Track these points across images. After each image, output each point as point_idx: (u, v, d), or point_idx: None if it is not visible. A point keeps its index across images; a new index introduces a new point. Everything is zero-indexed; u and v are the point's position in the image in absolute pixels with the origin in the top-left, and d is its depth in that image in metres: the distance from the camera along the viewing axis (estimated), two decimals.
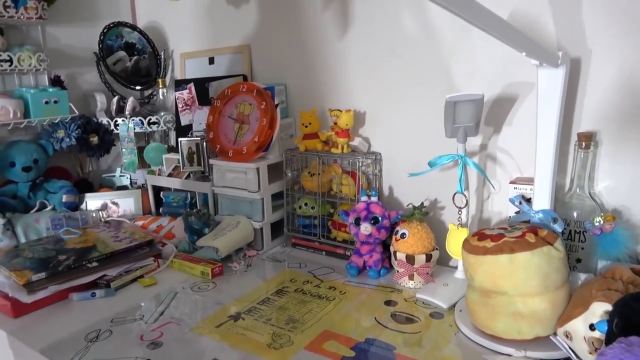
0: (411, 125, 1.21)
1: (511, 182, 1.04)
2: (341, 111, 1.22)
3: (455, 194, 0.99)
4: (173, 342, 0.88)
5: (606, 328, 0.66)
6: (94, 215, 1.42)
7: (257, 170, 1.25)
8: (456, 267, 1.09)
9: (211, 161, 1.34)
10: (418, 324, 0.93)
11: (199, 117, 1.54)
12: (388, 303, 1.01)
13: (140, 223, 1.39)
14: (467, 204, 0.99)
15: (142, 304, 1.03)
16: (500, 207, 1.11)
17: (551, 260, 0.80)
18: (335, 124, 1.23)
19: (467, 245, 0.87)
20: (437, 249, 1.08)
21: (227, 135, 1.32)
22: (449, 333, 0.89)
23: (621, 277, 0.77)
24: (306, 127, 1.26)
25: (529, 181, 1.00)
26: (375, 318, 0.95)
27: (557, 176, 0.95)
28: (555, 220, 0.88)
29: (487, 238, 0.85)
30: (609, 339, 0.65)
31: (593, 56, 0.95)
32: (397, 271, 1.08)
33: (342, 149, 1.23)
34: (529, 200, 0.97)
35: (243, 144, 1.28)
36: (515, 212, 1.01)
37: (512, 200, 0.95)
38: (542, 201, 0.92)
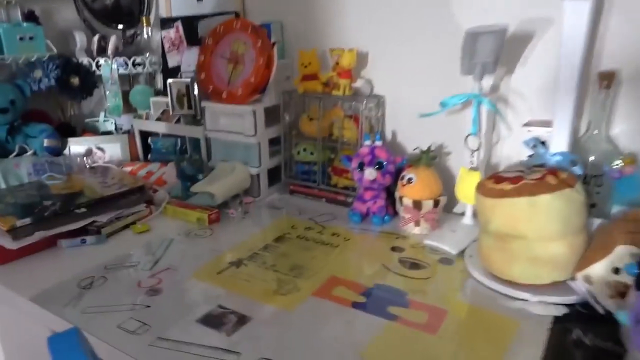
0: (417, 66, 1.14)
1: (525, 125, 0.99)
2: (343, 50, 1.14)
3: (468, 135, 0.94)
4: (173, 288, 0.84)
5: (636, 271, 0.63)
6: (79, 161, 1.34)
7: (254, 113, 1.18)
8: (462, 214, 1.05)
9: (203, 104, 1.25)
10: (427, 269, 0.90)
11: (187, 58, 1.44)
12: (394, 249, 0.98)
13: (128, 169, 1.31)
14: (480, 146, 0.94)
15: (136, 251, 0.98)
16: (510, 151, 1.07)
17: (572, 204, 0.76)
18: (337, 64, 1.15)
19: (482, 189, 0.83)
20: (444, 194, 1.05)
21: (220, 76, 1.24)
22: (460, 279, 0.87)
23: None
24: (305, 67, 1.18)
25: (544, 124, 0.96)
26: (382, 264, 0.92)
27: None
28: (574, 163, 0.85)
29: (504, 180, 0.80)
30: (639, 281, 0.62)
31: None
32: (403, 217, 1.04)
33: (344, 90, 1.16)
34: (543, 144, 0.93)
35: (237, 85, 1.20)
36: (528, 156, 0.97)
37: (527, 143, 0.91)
38: (560, 144, 0.88)
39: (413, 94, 1.15)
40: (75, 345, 0.41)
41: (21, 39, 1.30)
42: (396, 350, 0.68)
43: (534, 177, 0.79)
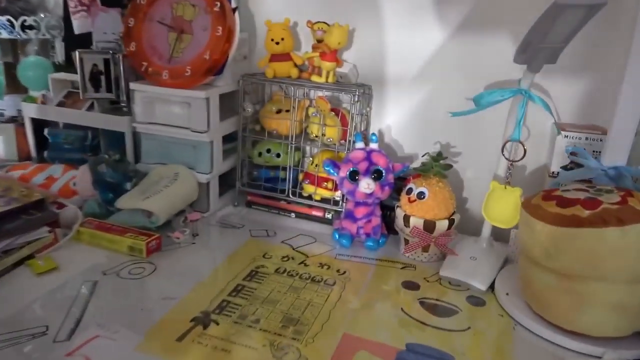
0: (414, 48, 0.92)
1: (562, 129, 0.82)
2: (329, 25, 0.89)
3: (506, 142, 0.75)
4: None
5: None
6: None
7: (207, 100, 0.88)
8: (477, 236, 0.86)
9: (132, 85, 0.92)
10: (460, 315, 0.69)
11: (102, 23, 1.08)
12: (407, 286, 0.76)
13: (17, 173, 0.94)
14: (524, 155, 0.75)
15: (39, 306, 0.65)
16: (538, 162, 0.89)
17: None
18: (319, 41, 0.90)
19: (542, 213, 0.64)
20: (456, 212, 0.85)
21: (157, 48, 0.92)
22: (504, 327, 0.67)
23: None
24: (277, 44, 0.91)
25: (583, 128, 0.79)
26: (402, 309, 0.69)
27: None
28: (636, 180, 0.69)
29: (574, 204, 0.62)
30: None
31: None
32: (408, 241, 0.83)
33: (327, 77, 0.91)
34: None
35: (184, 62, 0.89)
36: (562, 167, 0.80)
37: (577, 151, 0.73)
38: (616, 154, 0.71)
39: (406, 86, 0.94)
40: None
41: None
42: None
43: (612, 200, 0.61)
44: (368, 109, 0.96)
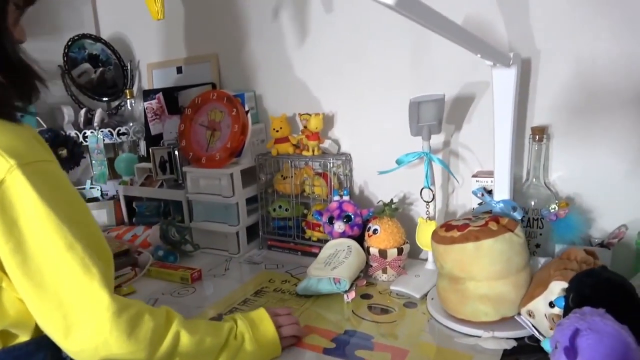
0: (378, 126, 1.26)
1: (473, 176, 1.11)
2: (310, 115, 1.26)
3: (422, 189, 1.05)
4: None
5: (563, 303, 0.72)
6: None
7: (231, 175, 1.28)
8: (426, 259, 1.14)
9: (184, 168, 1.36)
10: (393, 314, 0.98)
11: (169, 126, 1.55)
12: (364, 296, 1.05)
13: (114, 233, 1.39)
14: (433, 198, 1.05)
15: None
16: (465, 200, 1.18)
17: (512, 246, 0.86)
18: (305, 127, 1.27)
19: (435, 236, 0.93)
20: (407, 242, 1.14)
21: (199, 142, 1.35)
22: (423, 320, 0.95)
23: (575, 258, 0.83)
24: (277, 131, 1.30)
25: (490, 174, 1.07)
26: (352, 311, 0.99)
27: (515, 168, 1.02)
28: (514, 209, 0.95)
29: (453, 228, 0.90)
30: (566, 312, 0.71)
31: (542, 56, 1.03)
32: (371, 265, 1.13)
33: (313, 151, 1.27)
34: (490, 192, 1.03)
35: (215, 150, 1.30)
36: (478, 204, 1.07)
37: (475, 192, 1.02)
38: (502, 192, 0.99)
39: (377, 152, 1.27)
40: None
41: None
42: None
43: (478, 224, 0.89)
44: (347, 171, 1.30)
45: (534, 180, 1.04)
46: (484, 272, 0.86)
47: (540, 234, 1.03)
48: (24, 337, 0.66)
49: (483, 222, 0.89)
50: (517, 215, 0.93)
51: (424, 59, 1.16)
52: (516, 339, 0.84)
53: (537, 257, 1.00)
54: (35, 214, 0.60)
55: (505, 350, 0.81)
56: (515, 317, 0.86)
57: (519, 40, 1.04)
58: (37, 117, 1.46)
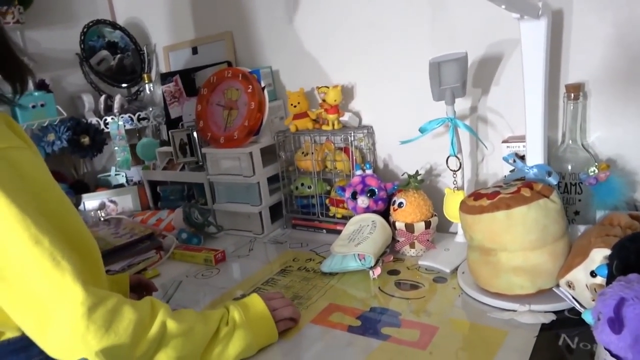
0: (400, 96, 1.20)
1: (504, 142, 1.04)
2: (328, 87, 1.21)
3: (448, 157, 0.99)
4: None
5: (606, 272, 0.66)
6: (92, 215, 1.42)
7: (250, 154, 1.25)
8: (456, 233, 1.09)
9: (204, 150, 1.33)
10: (422, 289, 0.93)
11: (188, 109, 1.53)
12: (392, 272, 1.01)
13: (139, 218, 1.39)
14: (461, 166, 0.99)
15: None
16: (495, 168, 1.11)
17: (548, 213, 0.80)
18: (324, 101, 1.22)
19: (463, 206, 0.87)
20: (435, 215, 1.09)
21: (216, 122, 1.32)
22: (453, 295, 0.90)
23: (619, 223, 0.77)
24: (295, 107, 1.26)
25: (522, 139, 1.00)
26: (379, 287, 0.95)
27: (549, 131, 0.95)
28: (549, 174, 0.88)
29: (483, 197, 0.84)
30: (609, 281, 0.65)
31: (575, 6, 0.94)
32: (398, 240, 1.08)
33: (333, 125, 1.22)
34: (522, 158, 0.97)
35: (233, 129, 1.27)
36: (510, 171, 1.01)
37: (505, 159, 0.95)
38: (535, 157, 0.92)
39: (400, 122, 1.21)
40: None
41: (33, 106, 1.41)
42: None
43: (509, 191, 0.83)
44: (370, 144, 1.25)
45: (571, 142, 0.96)
46: (518, 242, 0.80)
47: (579, 200, 0.96)
48: (14, 333, 0.64)
49: (515, 189, 0.83)
50: (553, 180, 0.86)
51: (444, 18, 1.09)
52: (555, 312, 0.78)
53: (576, 225, 0.93)
54: None
55: (543, 325, 0.76)
56: (554, 289, 0.80)
57: None
58: (58, 106, 1.46)
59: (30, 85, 1.47)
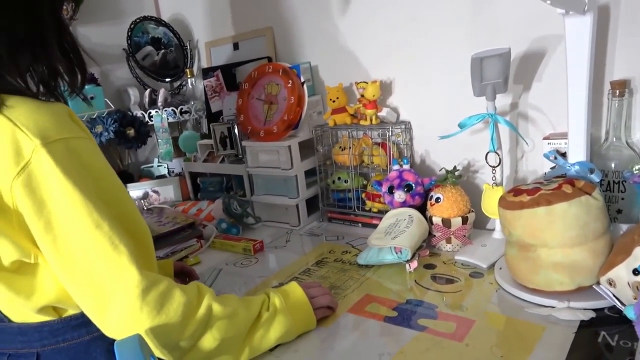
0: (439, 91, 1.20)
1: (545, 138, 1.03)
2: (367, 83, 1.22)
3: (487, 153, 0.99)
4: None
5: None
6: (137, 204, 1.48)
7: (289, 148, 1.28)
8: (493, 229, 1.09)
9: (244, 143, 1.37)
10: (458, 284, 0.94)
11: (228, 103, 1.57)
12: (428, 267, 1.02)
13: (180, 208, 1.44)
14: (500, 162, 0.98)
15: (188, 281, 1.08)
16: (535, 165, 1.10)
17: (590, 210, 0.79)
18: (362, 96, 1.24)
19: (503, 202, 0.87)
20: (472, 211, 1.09)
21: (257, 116, 1.35)
22: (490, 290, 0.90)
23: None
24: (333, 102, 1.27)
25: (563, 136, 0.99)
26: (415, 281, 0.97)
27: (592, 128, 0.93)
28: (592, 171, 0.87)
29: (523, 193, 0.84)
30: None
31: (622, 0, 0.92)
32: (434, 235, 1.09)
33: (371, 120, 1.23)
34: (564, 155, 0.96)
35: (273, 123, 1.30)
36: (550, 168, 1.00)
37: (546, 155, 0.94)
38: (577, 154, 0.91)
39: (438, 118, 1.21)
40: (136, 348, 0.50)
41: (83, 99, 1.47)
42: (421, 357, 0.72)
43: (550, 187, 0.83)
44: (407, 139, 1.25)
45: (614, 140, 0.95)
46: (558, 239, 0.80)
47: (622, 199, 0.94)
48: (76, 311, 0.67)
49: (556, 185, 0.83)
50: (595, 177, 0.86)
51: (486, 12, 1.08)
52: (595, 310, 0.77)
53: (618, 224, 0.92)
54: (61, 192, 0.59)
55: (582, 322, 0.76)
56: (594, 286, 0.79)
57: None
58: (106, 99, 1.53)
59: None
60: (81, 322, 0.67)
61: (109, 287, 0.61)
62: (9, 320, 0.67)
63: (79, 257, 0.61)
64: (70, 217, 0.60)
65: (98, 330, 0.64)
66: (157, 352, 0.65)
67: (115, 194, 0.66)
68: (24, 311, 0.66)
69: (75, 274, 0.61)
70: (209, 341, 0.68)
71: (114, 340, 0.58)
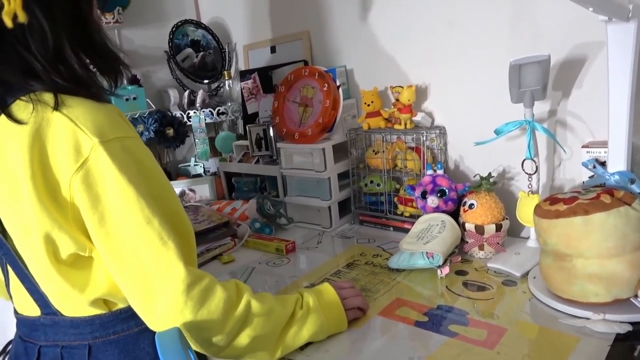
0: (475, 96, 1.19)
1: (584, 147, 1.01)
2: (402, 87, 1.23)
3: (524, 160, 0.98)
4: None
5: None
6: None
7: (323, 150, 1.29)
8: (528, 238, 1.07)
9: (278, 145, 1.39)
10: (490, 291, 0.93)
11: (264, 105, 1.60)
12: (459, 273, 1.02)
13: (215, 207, 1.47)
14: (537, 170, 0.97)
15: (222, 279, 1.10)
16: (573, 173, 1.08)
17: (629, 221, 0.77)
18: (397, 100, 1.24)
19: (538, 210, 0.86)
20: (507, 218, 1.08)
21: (292, 119, 1.37)
22: (523, 299, 0.89)
23: None
24: (368, 105, 1.28)
25: (603, 144, 0.97)
26: (446, 286, 0.97)
27: (634, 137, 0.91)
28: (632, 181, 0.86)
29: (559, 202, 0.83)
30: None
31: None
32: (467, 242, 1.08)
33: (405, 125, 1.24)
34: (603, 164, 0.94)
35: (308, 126, 1.32)
36: (589, 177, 0.98)
37: (585, 164, 0.93)
38: (617, 163, 0.89)
39: (473, 124, 1.20)
40: (176, 340, 0.52)
41: (127, 99, 1.54)
42: None
43: (588, 197, 0.81)
44: (442, 144, 1.25)
45: None
46: (594, 249, 0.78)
47: None
48: (125, 304, 0.70)
49: (594, 195, 0.81)
50: (636, 187, 0.84)
51: (526, 18, 1.07)
52: (632, 323, 0.76)
53: None
54: (116, 188, 0.62)
55: (618, 335, 0.74)
56: (631, 299, 0.77)
57: None
58: (147, 100, 1.58)
59: (124, 79, 1.60)
60: (130, 314, 0.70)
61: (157, 281, 0.64)
62: (61, 314, 0.71)
63: (129, 251, 0.63)
64: (124, 212, 0.63)
65: (144, 322, 0.67)
66: (196, 347, 0.67)
67: (164, 192, 0.68)
68: (76, 304, 0.70)
69: (125, 267, 0.64)
70: (246, 337, 0.70)
71: None
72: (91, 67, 0.71)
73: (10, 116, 0.63)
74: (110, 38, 0.74)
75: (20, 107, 0.63)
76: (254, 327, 0.70)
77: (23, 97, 0.63)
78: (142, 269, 0.63)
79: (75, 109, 0.63)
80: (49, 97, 0.63)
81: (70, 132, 0.61)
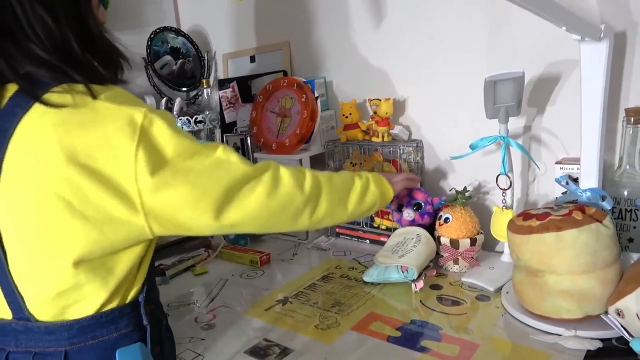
0: (452, 111, 1.20)
1: (557, 163, 1.02)
2: (380, 100, 1.23)
3: (498, 175, 0.99)
4: (226, 323, 0.93)
5: None
6: None
7: (300, 161, 1.29)
8: (502, 252, 1.08)
9: (256, 155, 1.38)
10: (464, 306, 0.93)
11: (242, 114, 1.59)
12: (434, 287, 1.01)
13: None
14: (511, 185, 0.98)
15: (195, 290, 1.09)
16: (547, 189, 1.10)
17: (600, 238, 0.78)
18: (375, 113, 1.24)
19: (512, 226, 0.87)
20: (481, 233, 1.08)
21: (270, 129, 1.36)
22: (496, 314, 0.89)
23: None
24: (346, 117, 1.28)
25: (576, 161, 0.98)
26: (420, 301, 0.96)
27: (605, 154, 0.93)
28: (603, 198, 0.86)
29: (532, 217, 0.84)
30: None
31: (639, 29, 0.92)
32: (442, 255, 1.08)
33: (383, 137, 1.24)
34: (576, 180, 0.95)
35: (286, 136, 1.31)
36: (562, 193, 0.99)
37: (558, 180, 0.94)
38: (589, 180, 0.90)
39: (450, 138, 1.21)
40: (138, 357, 0.50)
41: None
42: None
43: (561, 213, 0.82)
44: (419, 158, 1.25)
45: (628, 167, 0.94)
46: (566, 265, 0.79)
47: (634, 227, 0.93)
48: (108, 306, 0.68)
49: (566, 211, 0.82)
50: (607, 204, 0.85)
51: (503, 35, 1.08)
52: (602, 340, 0.76)
53: (629, 253, 0.91)
54: (175, 142, 0.63)
55: (588, 352, 0.74)
56: (602, 315, 0.78)
57: (612, 11, 0.94)
58: None
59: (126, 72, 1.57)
60: (110, 318, 0.67)
61: (240, 185, 0.67)
62: (35, 320, 0.67)
63: (207, 175, 0.65)
64: (190, 155, 0.63)
65: (126, 327, 0.66)
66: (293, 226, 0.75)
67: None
68: (55, 307, 0.66)
69: (203, 189, 0.64)
70: (324, 200, 0.77)
71: (142, 337, 0.63)
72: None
73: (49, 103, 0.61)
74: (108, 31, 0.73)
75: (56, 96, 0.62)
76: (327, 191, 0.78)
77: (56, 88, 0.62)
78: (220, 182, 0.65)
79: (111, 93, 0.63)
80: (80, 87, 0.62)
81: (122, 114, 0.61)
